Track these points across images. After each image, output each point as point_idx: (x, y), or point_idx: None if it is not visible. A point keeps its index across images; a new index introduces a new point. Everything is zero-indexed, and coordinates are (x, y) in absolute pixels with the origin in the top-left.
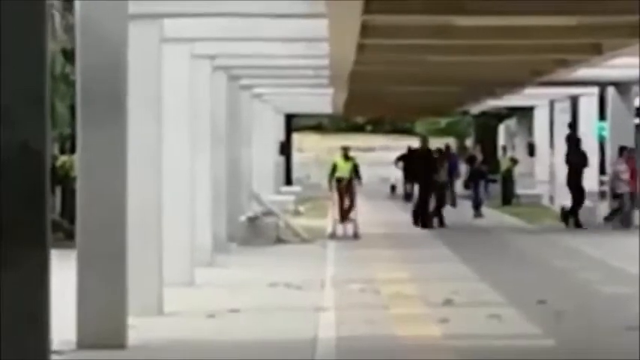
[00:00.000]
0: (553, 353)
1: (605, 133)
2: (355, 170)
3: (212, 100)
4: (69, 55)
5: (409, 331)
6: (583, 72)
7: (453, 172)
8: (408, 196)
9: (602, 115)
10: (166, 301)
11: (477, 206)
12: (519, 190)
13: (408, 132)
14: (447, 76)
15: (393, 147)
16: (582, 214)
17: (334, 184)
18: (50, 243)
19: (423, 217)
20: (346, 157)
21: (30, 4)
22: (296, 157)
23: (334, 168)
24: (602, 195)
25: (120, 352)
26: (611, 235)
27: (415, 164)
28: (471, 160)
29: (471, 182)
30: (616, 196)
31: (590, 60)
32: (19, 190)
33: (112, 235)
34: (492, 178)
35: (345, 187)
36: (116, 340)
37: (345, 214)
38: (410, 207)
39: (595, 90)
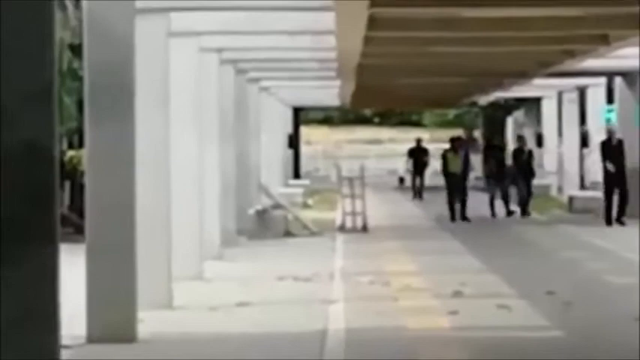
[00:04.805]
0: (562, 344)
1: (613, 115)
2: (466, 165)
3: (220, 93)
4: (76, 50)
5: (418, 323)
6: (590, 62)
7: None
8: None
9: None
10: (175, 294)
11: (524, 204)
12: None
13: (416, 124)
14: (455, 67)
15: (400, 139)
16: (592, 205)
17: (445, 179)
18: (59, 238)
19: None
20: (455, 151)
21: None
22: (304, 149)
23: (445, 162)
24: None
25: (129, 346)
26: (620, 226)
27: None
28: (517, 153)
29: (520, 178)
30: None
31: (598, 50)
32: (28, 187)
33: (121, 229)
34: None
35: (457, 183)
36: (126, 334)
37: (462, 213)
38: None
39: (603, 80)
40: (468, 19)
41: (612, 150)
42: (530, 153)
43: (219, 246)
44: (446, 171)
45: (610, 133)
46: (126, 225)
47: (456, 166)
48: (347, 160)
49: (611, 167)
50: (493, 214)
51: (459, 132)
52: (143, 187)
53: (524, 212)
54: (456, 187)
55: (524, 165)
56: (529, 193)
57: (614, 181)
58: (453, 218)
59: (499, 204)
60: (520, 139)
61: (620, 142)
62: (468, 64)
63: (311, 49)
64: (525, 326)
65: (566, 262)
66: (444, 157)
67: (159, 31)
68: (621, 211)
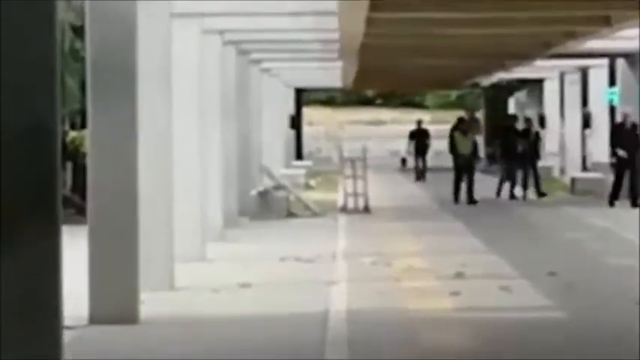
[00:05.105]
0: (564, 325)
1: (615, 97)
2: (474, 148)
3: (222, 74)
4: (78, 31)
5: (420, 304)
6: (593, 44)
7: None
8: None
9: (612, 85)
10: (178, 276)
11: (536, 186)
12: None
13: (419, 105)
14: (457, 49)
15: (403, 120)
16: (594, 186)
17: (453, 160)
18: (62, 220)
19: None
20: (465, 132)
21: None
22: (306, 130)
23: (454, 143)
24: (612, 166)
25: (132, 327)
26: (622, 207)
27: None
28: (525, 135)
29: (527, 160)
30: None
31: (600, 32)
32: (30, 168)
33: (124, 210)
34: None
35: (466, 165)
36: (128, 315)
37: (469, 196)
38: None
39: (605, 62)
40: (470, 0)
41: (626, 133)
42: (537, 135)
43: (222, 227)
44: (454, 152)
45: (624, 116)
46: (128, 206)
47: (464, 148)
48: (349, 141)
49: (622, 153)
50: (499, 194)
51: (460, 113)
52: (145, 168)
53: (540, 194)
54: (464, 169)
55: (532, 147)
56: (536, 175)
57: (627, 163)
58: (456, 200)
59: (507, 186)
60: (528, 121)
61: (635, 126)
62: (470, 46)
63: (313, 30)
64: (527, 307)
65: (568, 243)
66: (452, 137)
67: (161, 13)
68: (635, 195)
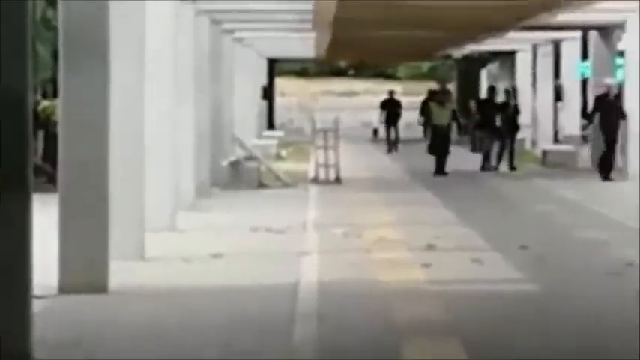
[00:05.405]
0: (535, 297)
1: (587, 71)
2: (455, 117)
3: (195, 44)
4: (50, 0)
5: (392, 276)
6: (565, 16)
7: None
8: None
9: (584, 58)
10: (148, 245)
11: (510, 159)
12: None
13: (391, 76)
14: (430, 20)
15: (376, 91)
16: (565, 159)
17: (429, 132)
18: (32, 188)
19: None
20: (442, 103)
21: None
22: (279, 101)
23: (428, 114)
24: (583, 139)
25: (102, 296)
26: (593, 180)
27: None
28: (504, 107)
29: (504, 132)
30: None
31: (572, 4)
32: (1, 137)
33: (95, 179)
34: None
35: (441, 136)
36: (98, 284)
37: (440, 167)
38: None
39: (577, 34)
40: None
41: (609, 105)
42: (515, 107)
43: (193, 197)
44: (430, 123)
45: (607, 87)
46: (99, 176)
47: (441, 119)
48: (322, 112)
49: (590, 132)
50: (484, 167)
51: (432, 85)
52: (117, 138)
53: (512, 167)
54: (440, 140)
55: (510, 119)
56: (512, 148)
57: (610, 135)
58: (438, 172)
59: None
60: (507, 93)
61: (618, 97)
62: (443, 18)
63: (287, 0)
64: (499, 279)
65: (539, 215)
66: (428, 108)
67: None
68: (609, 167)
